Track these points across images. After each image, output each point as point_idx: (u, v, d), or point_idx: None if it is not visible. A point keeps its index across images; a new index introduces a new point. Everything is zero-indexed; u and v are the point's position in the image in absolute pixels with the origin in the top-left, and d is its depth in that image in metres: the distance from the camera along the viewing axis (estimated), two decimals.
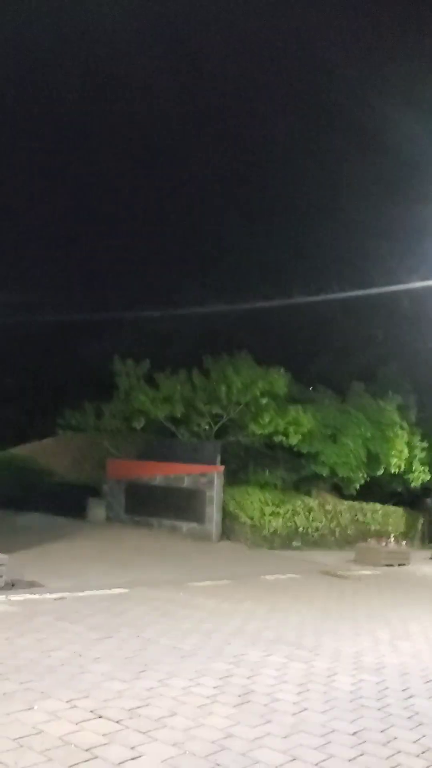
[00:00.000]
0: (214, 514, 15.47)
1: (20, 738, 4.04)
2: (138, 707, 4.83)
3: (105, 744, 4.11)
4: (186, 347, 26.05)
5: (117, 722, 4.49)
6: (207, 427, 17.49)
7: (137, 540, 14.47)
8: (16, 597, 8.15)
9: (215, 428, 17.70)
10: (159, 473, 16.21)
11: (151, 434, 17.79)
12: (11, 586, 8.94)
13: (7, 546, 12.65)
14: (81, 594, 8.83)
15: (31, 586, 9.12)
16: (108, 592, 9.18)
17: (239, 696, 5.41)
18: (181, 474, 15.91)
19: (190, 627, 7.58)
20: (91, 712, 4.61)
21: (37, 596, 8.39)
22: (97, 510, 16.51)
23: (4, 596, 8.07)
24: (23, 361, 36.31)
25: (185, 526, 15.80)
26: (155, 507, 16.13)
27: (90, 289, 37.71)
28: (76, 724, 4.37)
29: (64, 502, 17.09)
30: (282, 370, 17.71)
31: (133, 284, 38.64)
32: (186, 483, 15.88)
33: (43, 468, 20.04)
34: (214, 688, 5.52)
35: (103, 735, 4.24)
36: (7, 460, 20.30)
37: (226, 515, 15.78)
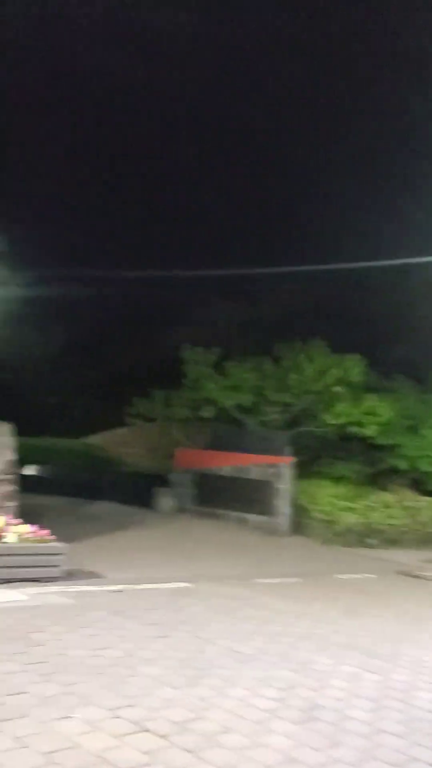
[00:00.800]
0: (283, 507, 14.86)
1: (51, 752, 3.60)
2: (188, 720, 4.32)
3: (146, 765, 3.62)
4: (257, 336, 25.49)
5: (163, 737, 3.99)
6: (277, 417, 16.87)
7: (204, 532, 14.05)
8: (73, 588, 7.83)
9: (286, 418, 17.06)
10: (227, 463, 15.73)
11: (220, 423, 17.32)
12: (72, 576, 8.64)
13: (73, 534, 12.46)
14: (140, 587, 8.44)
15: (90, 576, 8.80)
16: (169, 585, 8.76)
17: (304, 711, 4.82)
18: (249, 465, 15.38)
19: (254, 628, 7.03)
20: (136, 723, 4.13)
21: (94, 588, 8.04)
22: (164, 500, 16.21)
23: (60, 587, 7.76)
24: (99, 351, 36.70)
25: (253, 518, 15.26)
26: (223, 498, 15.67)
27: (162, 280, 37.64)
28: (117, 737, 3.90)
29: (132, 492, 16.87)
30: (358, 357, 16.85)
31: (205, 277, 38.27)
32: (254, 474, 15.33)
33: (114, 457, 19.95)
34: (276, 700, 4.95)
35: (145, 753, 3.76)
36: (80, 449, 20.33)
37: (297, 509, 15.15)
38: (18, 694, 4.37)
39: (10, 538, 7.71)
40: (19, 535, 7.76)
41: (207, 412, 16.62)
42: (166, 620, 6.82)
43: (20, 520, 9.36)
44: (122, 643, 5.85)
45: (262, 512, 15.12)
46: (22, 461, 20.09)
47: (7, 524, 7.97)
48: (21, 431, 24.61)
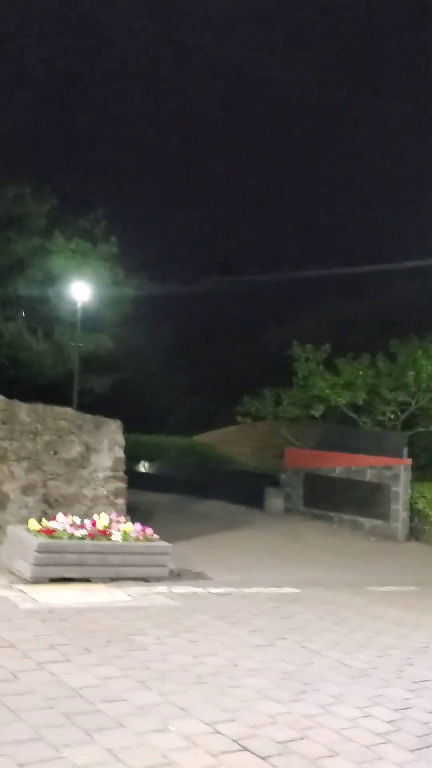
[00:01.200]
0: (400, 511, 14.16)
1: None
2: (292, 740, 4.03)
3: None
4: (369, 332, 24.68)
5: (263, 759, 3.72)
6: (392, 416, 16.12)
7: (315, 535, 13.64)
8: (179, 589, 7.72)
9: (402, 418, 16.29)
10: (339, 464, 15.20)
11: (332, 422, 16.80)
12: (177, 576, 8.56)
13: (181, 533, 12.47)
14: (248, 591, 8.21)
15: (197, 578, 8.68)
16: (278, 590, 8.48)
17: (419, 737, 4.40)
18: (364, 466, 14.77)
19: (366, 639, 6.62)
20: (235, 741, 3.89)
21: (200, 590, 7.90)
22: (274, 500, 15.92)
23: (166, 587, 7.68)
24: (209, 351, 37.05)
25: (368, 522, 14.66)
26: (335, 500, 15.17)
27: (272, 278, 37.37)
28: (214, 756, 3.67)
29: (242, 491, 16.71)
30: None
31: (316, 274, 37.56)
32: (369, 476, 14.71)
33: (224, 455, 19.91)
34: (389, 722, 4.56)
35: None
36: (190, 446, 20.46)
37: (415, 513, 14.40)
38: (115, 701, 4.25)
39: (117, 536, 7.70)
40: (125, 534, 7.74)
41: (318, 411, 16.17)
42: (273, 628, 6.55)
43: (126, 518, 9.42)
44: (226, 650, 5.64)
45: (376, 516, 14.49)
46: (134, 458, 20.57)
47: (114, 522, 7.98)
48: (133, 429, 25.26)
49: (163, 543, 8.03)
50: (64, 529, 7.41)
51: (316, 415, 16.29)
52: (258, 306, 35.24)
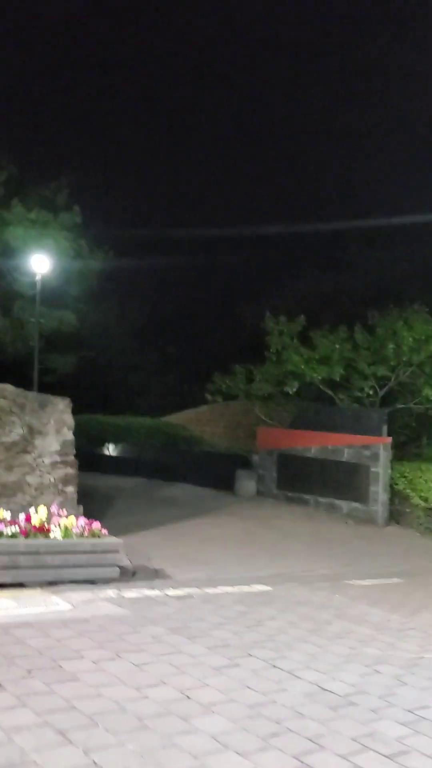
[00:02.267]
0: (379, 493, 13.22)
1: None
2: None
3: None
4: (346, 307, 23.63)
5: None
6: (371, 392, 15.11)
7: (289, 520, 12.63)
8: (131, 593, 6.62)
9: (381, 393, 15.28)
10: (315, 444, 14.19)
11: (307, 400, 15.78)
12: (132, 575, 7.46)
13: (143, 522, 11.36)
14: (212, 591, 7.14)
15: (154, 576, 7.59)
16: (246, 589, 7.43)
17: None
18: (341, 445, 13.77)
19: (348, 652, 5.59)
20: None
21: (156, 592, 6.80)
22: (246, 483, 14.89)
23: (115, 591, 6.57)
24: (181, 328, 35.73)
25: (345, 505, 13.70)
26: (311, 482, 14.18)
27: (247, 250, 36.03)
28: None
29: (212, 474, 15.66)
30: None
31: (292, 245, 36.40)
32: (346, 456, 13.73)
33: (194, 436, 18.81)
34: None
35: None
36: (157, 427, 19.30)
37: (395, 495, 13.47)
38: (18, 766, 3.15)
39: (56, 532, 6.57)
40: (66, 529, 6.61)
41: (292, 387, 15.10)
42: (238, 641, 5.48)
43: (76, 510, 8.26)
44: (178, 676, 4.57)
45: (354, 499, 13.53)
46: (98, 440, 19.40)
47: (54, 516, 6.83)
48: (102, 409, 23.95)
49: (113, 539, 6.91)
50: None
51: (291, 392, 15.22)
52: (232, 280, 33.99)
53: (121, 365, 31.97)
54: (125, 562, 7.43)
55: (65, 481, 8.93)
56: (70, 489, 8.99)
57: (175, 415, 26.14)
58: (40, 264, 22.36)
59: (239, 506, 13.77)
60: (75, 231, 26.15)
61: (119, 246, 28.26)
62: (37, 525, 6.47)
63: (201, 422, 23.82)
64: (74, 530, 6.69)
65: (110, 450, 18.39)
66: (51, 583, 6.47)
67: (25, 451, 8.83)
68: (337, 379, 14.90)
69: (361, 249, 27.81)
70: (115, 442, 18.61)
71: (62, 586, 6.53)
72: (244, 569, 8.44)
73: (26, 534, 6.34)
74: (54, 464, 8.85)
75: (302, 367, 14.75)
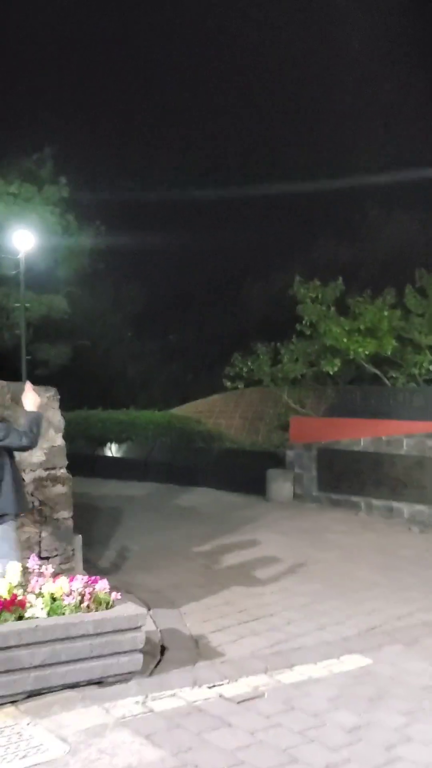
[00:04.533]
0: None
1: None
2: None
3: None
4: (371, 277, 20.93)
5: None
6: (431, 368, 12.46)
7: (341, 532, 9.99)
8: (164, 701, 3.99)
9: None
10: (364, 435, 11.57)
11: (350, 381, 13.13)
12: (160, 653, 4.82)
13: (160, 546, 8.74)
14: (289, 679, 4.52)
15: (194, 654, 4.94)
16: (337, 666, 4.81)
17: None
18: (399, 435, 11.16)
19: None
20: None
21: (204, 692, 4.18)
22: (280, 485, 12.28)
23: (139, 701, 3.94)
24: (185, 313, 32.90)
25: (407, 509, 11.09)
26: (361, 481, 11.57)
27: (255, 222, 33.17)
28: None
29: (237, 475, 13.08)
30: None
31: (306, 214, 33.62)
32: (406, 448, 11.12)
33: (211, 431, 16.16)
34: None
35: None
36: (167, 422, 16.62)
37: None
38: None
39: (38, 607, 3.93)
40: (52, 600, 3.97)
41: (332, 367, 12.44)
42: None
43: (66, 550, 5.63)
44: None
45: (418, 500, 10.92)
46: (99, 441, 16.75)
47: (33, 575, 4.19)
48: (102, 405, 21.23)
49: (130, 608, 4.26)
50: None
51: (331, 372, 12.56)
52: (237, 258, 31.20)
53: (119, 355, 29.23)
54: (150, 624, 4.79)
55: (55, 504, 6.29)
56: (64, 515, 6.35)
57: (183, 407, 23.46)
58: (23, 241, 19.65)
59: (276, 515, 11.15)
60: (62, 206, 23.41)
61: (111, 222, 25.51)
62: (5, 596, 3.84)
63: (213, 414, 21.14)
64: (67, 599, 4.05)
65: (113, 451, 15.76)
66: (31, 695, 3.85)
67: None
68: (389, 353, 12.25)
69: (382, 212, 25.11)
70: (119, 441, 15.97)
71: (50, 696, 3.91)
72: (318, 624, 5.81)
73: None
74: (38, 481, 6.21)
75: (344, 340, 12.10)
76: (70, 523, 6.41)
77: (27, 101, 38.96)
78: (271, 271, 30.23)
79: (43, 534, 6.23)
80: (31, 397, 4.92)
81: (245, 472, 12.99)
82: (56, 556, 6.26)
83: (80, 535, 6.75)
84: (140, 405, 23.29)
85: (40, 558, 5.29)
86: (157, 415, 17.72)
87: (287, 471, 12.50)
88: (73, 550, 6.46)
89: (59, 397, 6.41)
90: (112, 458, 15.63)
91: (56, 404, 6.35)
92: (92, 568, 6.97)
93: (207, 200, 34.22)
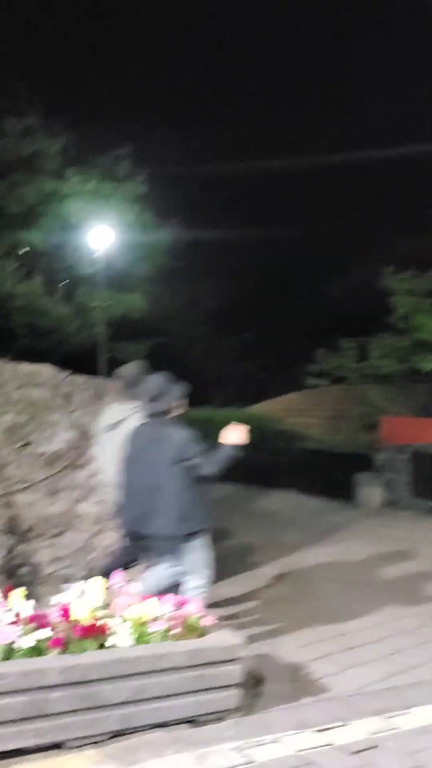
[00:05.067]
0: None
1: None
2: None
3: None
4: None
5: None
6: None
7: None
8: (267, 748, 3.41)
9: None
10: None
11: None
12: (254, 688, 4.25)
13: (244, 552, 8.19)
14: (407, 724, 3.85)
15: (295, 690, 4.34)
16: None
17: None
18: None
19: None
20: None
21: (313, 737, 3.57)
22: (370, 490, 11.52)
23: (236, 748, 3.37)
24: (262, 310, 32.27)
25: None
26: None
27: (334, 218, 32.22)
28: None
29: (322, 478, 12.38)
30: None
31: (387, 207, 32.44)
32: None
33: (292, 431, 15.51)
34: None
35: None
36: (246, 421, 16.01)
37: None
38: None
39: (121, 634, 3.43)
40: (137, 628, 3.46)
41: (428, 363, 11.58)
42: None
43: (138, 590, 5.13)
44: None
45: None
46: None
47: (118, 593, 3.70)
48: None
49: (226, 638, 3.70)
50: None
51: (427, 369, 11.70)
52: (316, 252, 30.28)
53: (195, 352, 28.89)
54: (243, 649, 4.22)
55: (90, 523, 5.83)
56: (110, 543, 5.87)
57: (259, 405, 22.86)
58: (102, 237, 19.54)
59: (366, 523, 10.40)
60: (139, 203, 23.24)
61: (189, 219, 25.17)
62: (83, 623, 3.35)
63: (291, 413, 20.44)
64: (154, 625, 3.53)
65: None
66: (115, 736, 3.35)
67: (76, 466, 5.78)
68: None
69: None
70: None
71: (135, 737, 3.40)
72: (429, 650, 5.11)
73: (62, 644, 3.24)
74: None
75: None
76: (112, 551, 5.92)
77: (105, 99, 39.25)
78: (353, 265, 29.24)
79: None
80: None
81: (330, 475, 12.29)
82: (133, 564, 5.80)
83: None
84: (216, 403, 22.87)
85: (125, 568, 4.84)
86: (234, 413, 17.17)
87: (377, 475, 11.72)
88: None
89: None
90: None
91: (57, 380, 5.87)
92: None
93: (286, 194, 33.47)
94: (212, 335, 30.20)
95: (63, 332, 21.96)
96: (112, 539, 5.68)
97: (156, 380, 4.82)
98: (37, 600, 3.64)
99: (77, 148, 23.15)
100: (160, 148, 28.12)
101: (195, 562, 4.57)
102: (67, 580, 4.84)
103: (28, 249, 21.74)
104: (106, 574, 3.95)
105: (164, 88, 43.88)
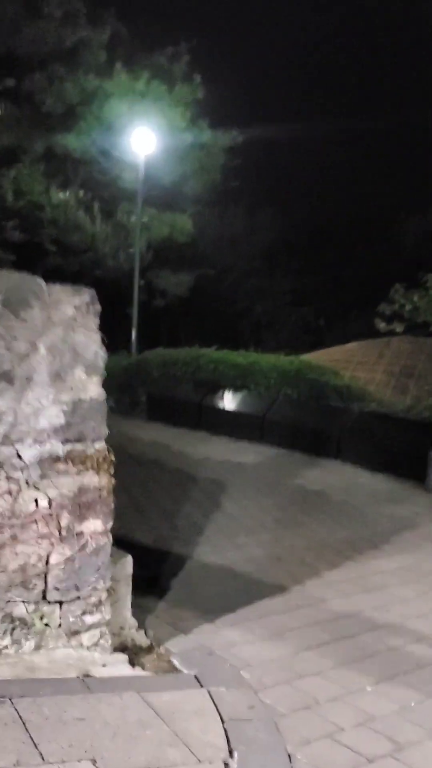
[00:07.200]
0: None
1: None
2: None
3: None
4: None
5: None
6: None
7: None
8: None
9: None
10: None
11: None
12: None
13: (273, 562, 5.67)
14: None
15: None
16: None
17: None
18: None
19: None
20: None
21: None
22: None
23: None
24: (325, 250, 29.12)
25: None
26: None
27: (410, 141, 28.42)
28: None
29: (386, 450, 9.74)
30: None
31: None
32: None
33: (351, 387, 12.74)
34: None
35: None
36: (295, 369, 13.30)
37: None
38: None
39: None
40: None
41: None
42: None
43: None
44: None
45: None
46: (214, 387, 13.75)
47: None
48: (221, 343, 18.17)
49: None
50: None
51: None
52: (391, 186, 26.78)
53: (246, 290, 26.04)
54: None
55: (81, 507, 3.33)
56: (95, 527, 3.39)
57: (312, 354, 20.02)
58: (144, 142, 16.72)
59: None
60: (194, 109, 20.18)
61: (250, 134, 21.99)
62: None
63: (350, 365, 17.56)
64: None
65: (225, 402, 12.78)
66: None
67: None
68: None
69: None
70: (234, 389, 12.93)
71: None
72: None
73: None
74: (49, 464, 3.26)
75: None
76: (107, 544, 3.44)
77: None
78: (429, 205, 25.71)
79: (55, 559, 3.31)
80: None
81: (396, 447, 9.62)
82: (76, 599, 3.35)
83: (129, 557, 3.80)
84: (264, 348, 20.16)
85: (47, 600, 2.45)
86: (284, 360, 14.40)
87: None
88: (110, 588, 3.51)
89: (98, 307, 3.35)
90: (224, 410, 12.66)
91: (92, 317, 3.29)
92: (157, 610, 4.01)
93: (358, 124, 29.75)
94: (267, 272, 27.20)
95: (98, 252, 19.44)
96: (29, 556, 3.21)
97: None
98: None
99: (127, 43, 20.13)
100: (220, 49, 24.71)
101: None
102: None
103: (65, 154, 19.09)
104: None
105: None
